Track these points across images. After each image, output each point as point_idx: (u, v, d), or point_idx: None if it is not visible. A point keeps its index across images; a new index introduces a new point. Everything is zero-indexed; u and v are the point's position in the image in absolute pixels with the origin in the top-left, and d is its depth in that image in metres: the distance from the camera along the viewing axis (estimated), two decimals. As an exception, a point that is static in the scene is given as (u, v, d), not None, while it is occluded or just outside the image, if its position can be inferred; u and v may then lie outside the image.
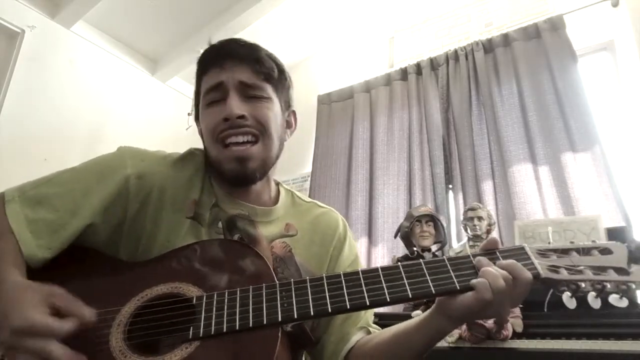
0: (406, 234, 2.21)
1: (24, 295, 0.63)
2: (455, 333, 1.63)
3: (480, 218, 2.12)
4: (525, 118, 2.44)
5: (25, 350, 0.59)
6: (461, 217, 2.27)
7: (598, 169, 2.15)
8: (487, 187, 2.41)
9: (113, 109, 3.26)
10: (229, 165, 0.83)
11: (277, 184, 0.97)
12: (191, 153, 0.92)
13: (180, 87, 3.68)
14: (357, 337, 0.86)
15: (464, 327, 1.61)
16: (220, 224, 0.84)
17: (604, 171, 2.14)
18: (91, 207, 0.78)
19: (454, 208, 2.55)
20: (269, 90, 0.87)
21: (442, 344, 1.66)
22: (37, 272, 0.71)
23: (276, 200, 0.93)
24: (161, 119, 3.52)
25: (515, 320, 1.59)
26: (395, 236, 2.32)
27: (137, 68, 3.48)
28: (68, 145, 2.87)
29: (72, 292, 0.66)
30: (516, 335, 1.58)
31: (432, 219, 2.23)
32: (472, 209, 2.17)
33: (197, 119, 0.93)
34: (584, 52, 2.59)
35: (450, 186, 2.62)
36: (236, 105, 0.81)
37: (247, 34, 3.09)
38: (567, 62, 2.41)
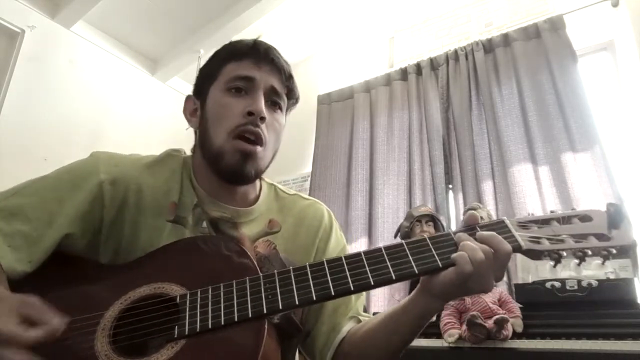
0: (406, 234, 2.21)
1: None
2: (455, 333, 1.63)
3: (480, 218, 2.12)
4: (525, 118, 2.44)
5: None
6: (461, 217, 2.27)
7: (598, 169, 2.15)
8: (487, 187, 2.41)
9: (113, 108, 3.26)
10: (232, 157, 0.81)
11: (260, 178, 0.95)
12: (168, 155, 0.90)
13: (180, 87, 3.67)
14: (348, 326, 0.86)
15: (464, 327, 1.61)
16: (204, 224, 0.83)
17: (604, 171, 2.14)
18: (67, 217, 0.77)
19: (454, 208, 2.55)
20: (285, 104, 0.90)
21: (442, 344, 1.66)
22: (18, 280, 0.70)
23: (259, 196, 0.92)
24: (161, 119, 3.52)
25: (515, 320, 1.59)
26: (395, 236, 2.32)
27: (137, 68, 3.48)
28: (68, 145, 2.86)
29: (54, 299, 0.65)
30: (516, 335, 1.58)
31: (432, 219, 2.23)
32: (472, 209, 2.17)
33: (197, 96, 0.91)
34: (584, 52, 2.59)
35: (450, 186, 2.61)
36: (264, 106, 0.83)
37: (247, 34, 3.08)
38: (567, 62, 2.41)
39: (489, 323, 1.56)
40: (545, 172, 2.29)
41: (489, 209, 2.25)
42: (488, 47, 2.72)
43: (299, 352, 0.90)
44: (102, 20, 3.14)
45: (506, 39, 2.67)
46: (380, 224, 2.68)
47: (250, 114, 0.81)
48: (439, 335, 1.68)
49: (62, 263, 0.77)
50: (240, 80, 0.84)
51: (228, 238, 0.80)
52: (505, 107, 2.52)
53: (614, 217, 0.66)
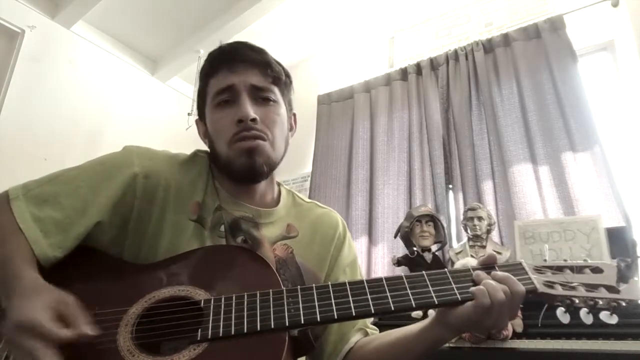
0: (406, 234, 2.21)
1: (36, 295, 0.64)
2: (455, 333, 1.63)
3: (480, 218, 2.13)
4: (525, 118, 2.44)
5: (19, 346, 0.59)
6: (461, 217, 2.27)
7: (598, 169, 2.15)
8: (487, 187, 2.41)
9: (113, 109, 3.26)
10: (239, 160, 0.83)
11: (278, 184, 0.98)
12: (196, 155, 0.92)
13: (180, 87, 3.68)
14: (355, 338, 0.87)
15: (464, 327, 1.61)
16: (222, 228, 0.84)
17: (604, 171, 2.14)
18: (99, 205, 0.78)
19: (454, 208, 2.55)
20: (277, 93, 0.89)
21: (442, 344, 1.66)
22: (46, 272, 0.71)
23: (278, 201, 0.95)
24: (161, 119, 3.52)
25: (515, 320, 1.59)
26: (395, 236, 2.32)
27: (137, 68, 3.48)
28: (68, 145, 2.87)
29: (81, 293, 0.66)
30: (516, 335, 1.58)
31: (432, 219, 2.23)
32: (472, 209, 2.17)
33: (201, 118, 0.93)
34: (584, 52, 2.58)
35: (450, 186, 2.61)
36: (250, 108, 0.83)
37: (247, 34, 3.09)
38: (567, 62, 2.41)
39: (489, 323, 1.56)
40: (545, 172, 2.29)
41: (489, 209, 2.25)
42: (488, 47, 2.72)
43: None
44: (102, 20, 3.14)
45: (506, 39, 2.67)
46: (380, 224, 2.68)
47: (240, 121, 0.83)
48: (439, 335, 1.68)
49: (89, 258, 0.78)
50: (222, 93, 0.86)
51: (255, 252, 0.82)
52: (505, 107, 2.52)
53: (624, 273, 0.71)
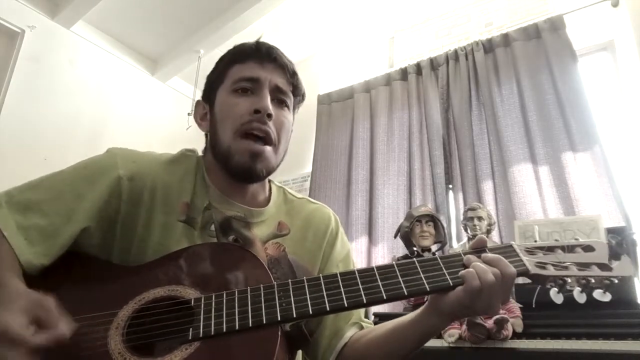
0: (406, 234, 2.21)
1: (14, 302, 0.61)
2: (456, 333, 1.63)
3: (480, 218, 2.12)
4: (525, 118, 2.45)
5: None
6: (461, 217, 2.27)
7: (598, 169, 2.15)
8: (487, 187, 2.42)
9: (113, 109, 3.26)
10: (240, 158, 0.82)
11: (269, 181, 0.97)
12: (183, 154, 0.91)
13: (180, 87, 3.68)
14: (350, 332, 0.87)
15: (464, 327, 1.61)
16: (212, 227, 0.84)
17: (604, 171, 2.14)
18: (84, 211, 0.77)
19: (454, 208, 2.55)
20: (292, 102, 0.92)
21: (442, 344, 1.66)
22: (34, 277, 0.70)
23: (269, 199, 0.94)
24: (161, 119, 3.52)
25: (515, 320, 1.59)
26: (395, 236, 2.32)
27: (137, 68, 3.48)
28: (68, 145, 2.87)
29: (69, 295, 0.65)
30: (516, 335, 1.58)
31: (432, 219, 2.23)
32: (472, 209, 2.17)
33: (206, 100, 0.92)
34: (584, 52, 2.59)
35: (450, 186, 2.62)
36: (270, 104, 0.85)
37: (247, 34, 3.09)
38: (567, 62, 2.41)
39: (489, 323, 1.56)
40: (545, 172, 2.29)
41: (489, 209, 2.25)
42: (488, 47, 2.72)
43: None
44: (102, 20, 3.14)
45: (506, 39, 2.67)
46: (380, 224, 2.68)
47: (257, 111, 0.83)
48: (439, 335, 1.68)
49: (77, 262, 0.77)
50: (246, 81, 0.86)
51: (243, 247, 0.81)
52: (505, 107, 2.52)
53: (615, 250, 0.70)
